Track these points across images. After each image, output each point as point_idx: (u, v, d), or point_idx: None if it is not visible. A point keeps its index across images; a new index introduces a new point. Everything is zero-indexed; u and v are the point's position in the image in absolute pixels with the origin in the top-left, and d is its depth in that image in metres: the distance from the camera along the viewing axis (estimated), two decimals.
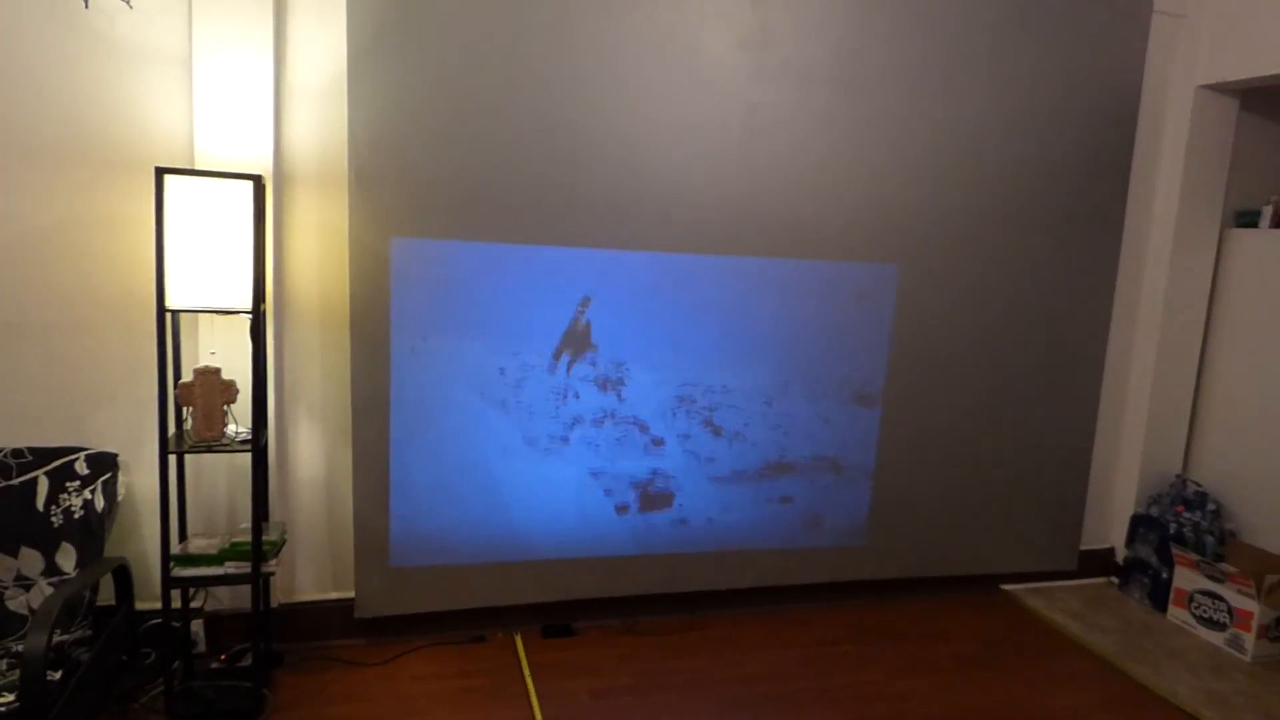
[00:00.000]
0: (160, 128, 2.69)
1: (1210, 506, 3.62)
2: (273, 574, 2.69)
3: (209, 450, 2.52)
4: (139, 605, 2.82)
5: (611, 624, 3.33)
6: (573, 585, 3.26)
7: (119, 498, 2.76)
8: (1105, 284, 3.69)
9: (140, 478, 2.84)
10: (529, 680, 2.91)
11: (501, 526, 3.14)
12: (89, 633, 2.61)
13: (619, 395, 3.18)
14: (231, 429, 2.60)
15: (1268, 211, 3.63)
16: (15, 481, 2.65)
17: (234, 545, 2.60)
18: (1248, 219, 3.71)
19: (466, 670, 2.96)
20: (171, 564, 2.54)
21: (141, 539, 2.88)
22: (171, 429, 2.55)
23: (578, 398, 3.14)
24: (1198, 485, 3.73)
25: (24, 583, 2.61)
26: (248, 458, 2.87)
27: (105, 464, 2.73)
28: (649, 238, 3.11)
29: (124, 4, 2.64)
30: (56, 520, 2.65)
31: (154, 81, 2.67)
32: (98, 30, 2.62)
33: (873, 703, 2.91)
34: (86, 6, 2.61)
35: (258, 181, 2.42)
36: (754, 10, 3.08)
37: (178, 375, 2.63)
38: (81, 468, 2.71)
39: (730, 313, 3.24)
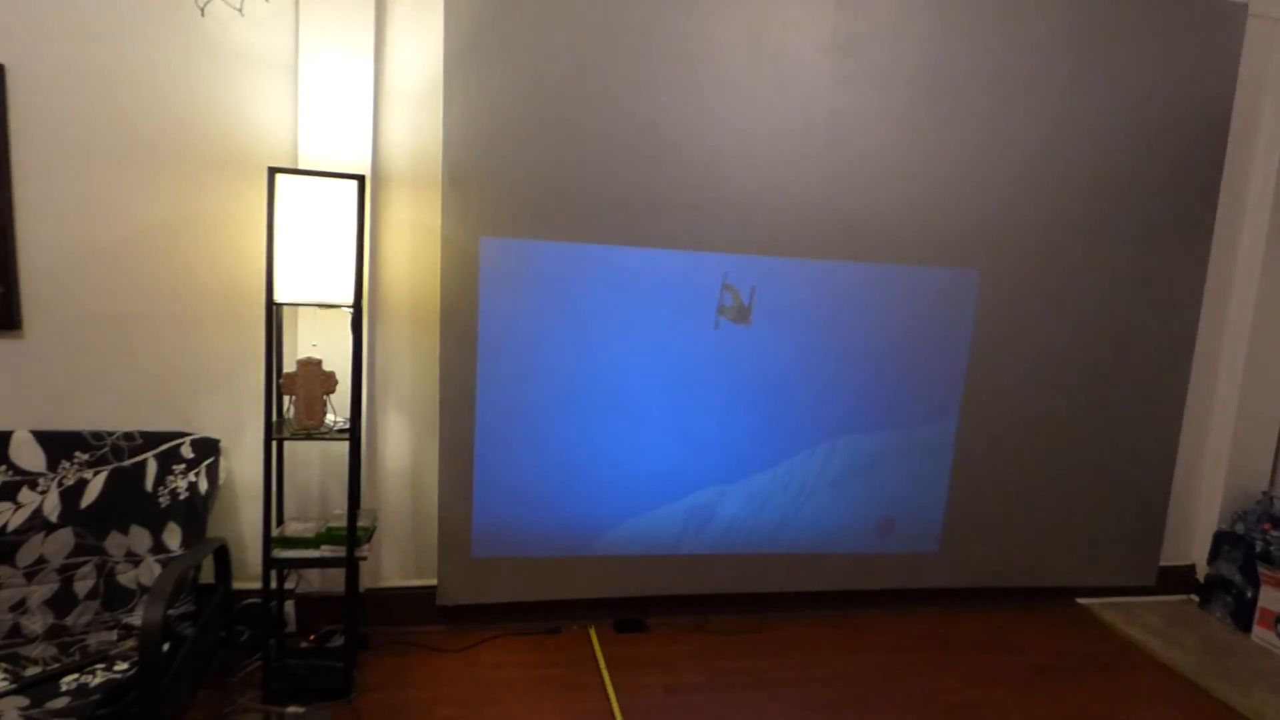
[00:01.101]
0: (266, 129, 2.82)
1: None
2: (365, 558, 2.79)
3: (309, 438, 2.63)
4: (234, 585, 2.96)
5: (683, 621, 3.38)
6: (646, 581, 3.31)
7: (220, 481, 2.90)
8: (1192, 294, 3.61)
9: (239, 463, 2.98)
10: (604, 672, 2.97)
11: (580, 521, 3.20)
12: (192, 608, 2.75)
13: (698, 400, 3.22)
14: (330, 418, 2.71)
15: None
16: (127, 463, 2.80)
17: (330, 530, 2.71)
18: None
19: (543, 660, 3.03)
20: (272, 546, 2.66)
21: (238, 522, 3.01)
22: (273, 417, 2.67)
23: (655, 402, 3.19)
24: None
25: (133, 559, 2.75)
26: (340, 446, 2.99)
27: (209, 448, 2.87)
28: (731, 240, 3.14)
29: (236, 11, 2.78)
30: (164, 500, 2.79)
31: (262, 85, 2.80)
32: (211, 35, 2.76)
33: (946, 710, 2.90)
34: (203, 14, 2.75)
35: (361, 181, 2.52)
36: (838, 15, 3.10)
37: (280, 366, 2.75)
38: (187, 451, 2.85)
39: (812, 315, 3.26)
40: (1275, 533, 3.53)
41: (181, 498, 2.80)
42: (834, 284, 3.26)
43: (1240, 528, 3.65)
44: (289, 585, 3.03)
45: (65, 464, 2.76)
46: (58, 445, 2.74)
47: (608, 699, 2.82)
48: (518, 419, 3.08)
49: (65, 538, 2.70)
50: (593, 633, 3.25)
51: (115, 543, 2.75)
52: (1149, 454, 3.69)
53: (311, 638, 3.02)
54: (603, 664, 3.03)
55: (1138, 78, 3.39)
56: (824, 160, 3.17)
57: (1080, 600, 3.79)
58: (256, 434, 2.97)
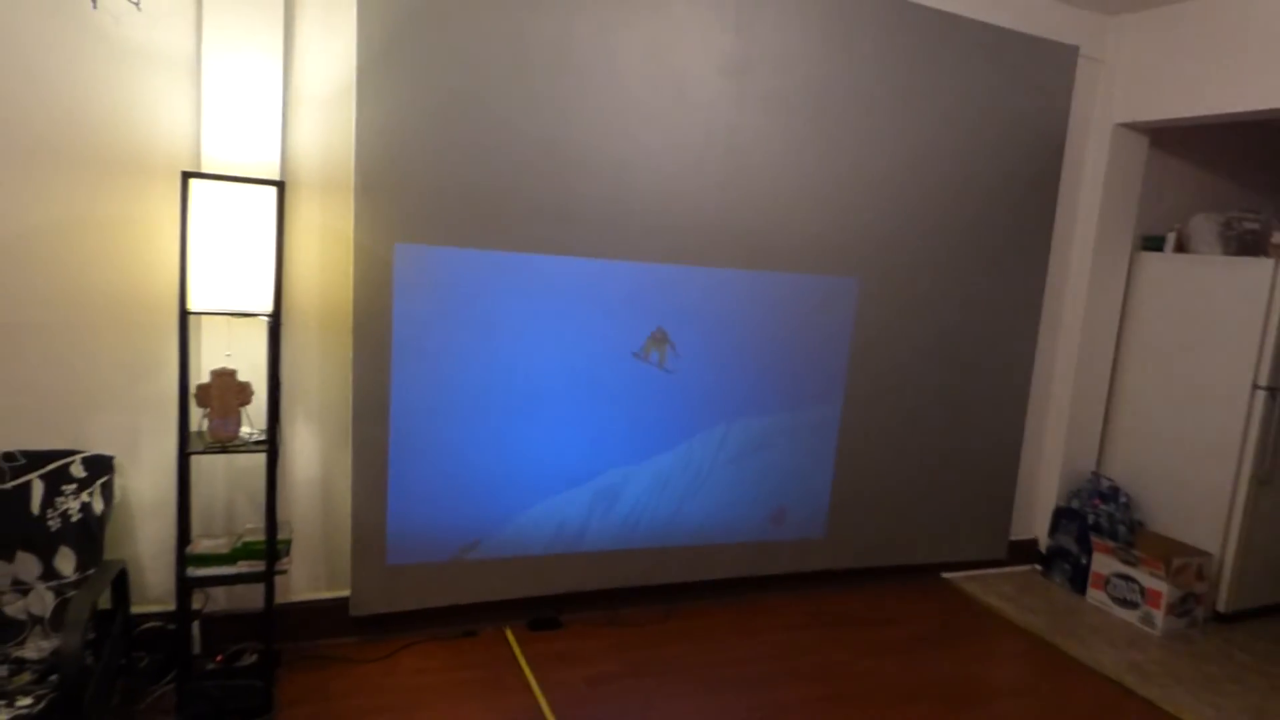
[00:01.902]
0: (166, 130, 2.70)
1: (1122, 499, 4.07)
2: (285, 572, 2.73)
3: (223, 451, 2.55)
4: (132, 609, 2.81)
5: (595, 616, 3.49)
6: (558, 579, 3.40)
7: (114, 501, 2.75)
8: (1034, 299, 4.09)
9: (135, 481, 2.83)
10: (527, 670, 3.04)
11: (493, 523, 3.25)
12: (92, 635, 2.60)
13: (606, 395, 3.34)
14: (245, 430, 2.63)
15: (1172, 238, 4.11)
16: (8, 485, 2.61)
17: (246, 545, 2.63)
18: (1153, 244, 4.18)
19: (464, 663, 3.07)
20: (186, 564, 2.56)
21: (135, 542, 2.86)
22: (187, 430, 2.57)
23: (565, 399, 3.29)
24: (1110, 480, 4.18)
25: (21, 587, 2.57)
26: (247, 459, 2.90)
27: (102, 466, 2.71)
28: (636, 249, 3.29)
29: (132, 5, 2.64)
30: (54, 524, 2.62)
31: (161, 84, 2.68)
32: (103, 30, 2.61)
33: (842, 680, 3.17)
34: (95, 7, 2.60)
35: (281, 187, 2.48)
36: (735, 38, 3.31)
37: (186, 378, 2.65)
38: (78, 470, 2.69)
39: (708, 320, 3.46)
40: (1104, 507, 4.06)
41: (74, 520, 2.64)
42: (731, 290, 3.47)
43: (1075, 503, 4.17)
44: (197, 605, 2.91)
45: None
46: None
47: (533, 695, 2.89)
48: (431, 424, 3.09)
49: None
50: (509, 633, 3.31)
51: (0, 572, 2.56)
52: (999, 442, 4.15)
53: (219, 658, 2.90)
54: (523, 662, 3.10)
55: (989, 106, 3.80)
56: (722, 173, 3.37)
57: (944, 575, 4.20)
58: (153, 450, 2.82)
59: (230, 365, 2.66)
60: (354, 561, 3.07)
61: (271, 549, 2.62)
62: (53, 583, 2.60)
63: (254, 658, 2.91)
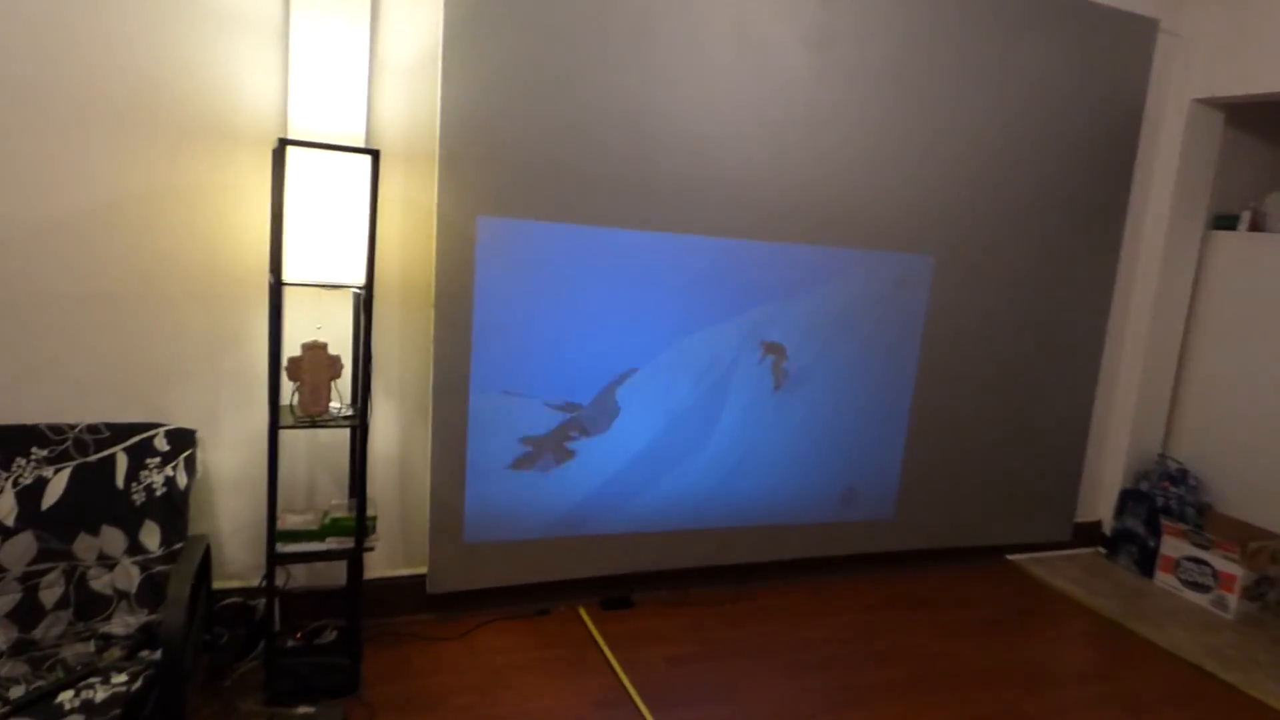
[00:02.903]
0: (250, 97, 2.63)
1: (1191, 482, 4.01)
2: (372, 549, 2.70)
3: (313, 425, 2.51)
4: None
5: (666, 596, 3.46)
6: (632, 558, 3.37)
7: (197, 475, 2.71)
8: (1107, 279, 4.02)
9: (216, 455, 2.79)
10: (606, 649, 3.01)
11: (569, 502, 3.21)
12: None
13: (683, 375, 3.29)
14: (334, 405, 2.59)
15: (1246, 216, 4.02)
16: (93, 458, 2.57)
17: (335, 521, 2.60)
18: (1226, 222, 4.10)
19: (542, 642, 3.04)
20: (275, 540, 2.52)
21: (215, 517, 2.82)
22: (277, 404, 2.52)
23: (642, 377, 3.23)
24: (1178, 463, 4.12)
25: (107, 562, 2.54)
26: (330, 434, 2.86)
27: (185, 440, 2.67)
28: (718, 224, 3.22)
29: None
30: (138, 498, 2.58)
31: (246, 50, 2.61)
32: None
33: (920, 662, 3.13)
34: None
35: (376, 156, 2.42)
36: (821, 9, 3.22)
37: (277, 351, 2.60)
38: (161, 444, 2.65)
39: (786, 298, 3.39)
40: (1173, 489, 4.01)
41: (158, 494, 2.60)
42: (810, 267, 3.40)
43: (1144, 485, 4.12)
44: (278, 582, 2.88)
45: (20, 461, 2.50)
46: (10, 441, 2.48)
47: (615, 675, 2.86)
48: (508, 402, 3.05)
49: (26, 542, 2.45)
50: (582, 612, 3.28)
51: (85, 546, 2.52)
52: (1067, 422, 4.09)
53: (299, 635, 2.88)
54: (601, 641, 3.06)
55: (1068, 81, 3.71)
56: (801, 149, 3.30)
57: (1009, 557, 4.16)
58: (235, 424, 2.78)
59: (323, 339, 2.60)
60: (432, 539, 3.03)
61: (361, 525, 2.58)
62: (138, 557, 2.56)
63: (334, 635, 2.89)
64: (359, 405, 2.56)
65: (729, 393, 3.39)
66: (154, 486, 2.61)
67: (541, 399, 3.10)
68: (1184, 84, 3.95)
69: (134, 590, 2.53)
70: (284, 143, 2.30)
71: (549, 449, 3.14)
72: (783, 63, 3.21)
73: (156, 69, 2.52)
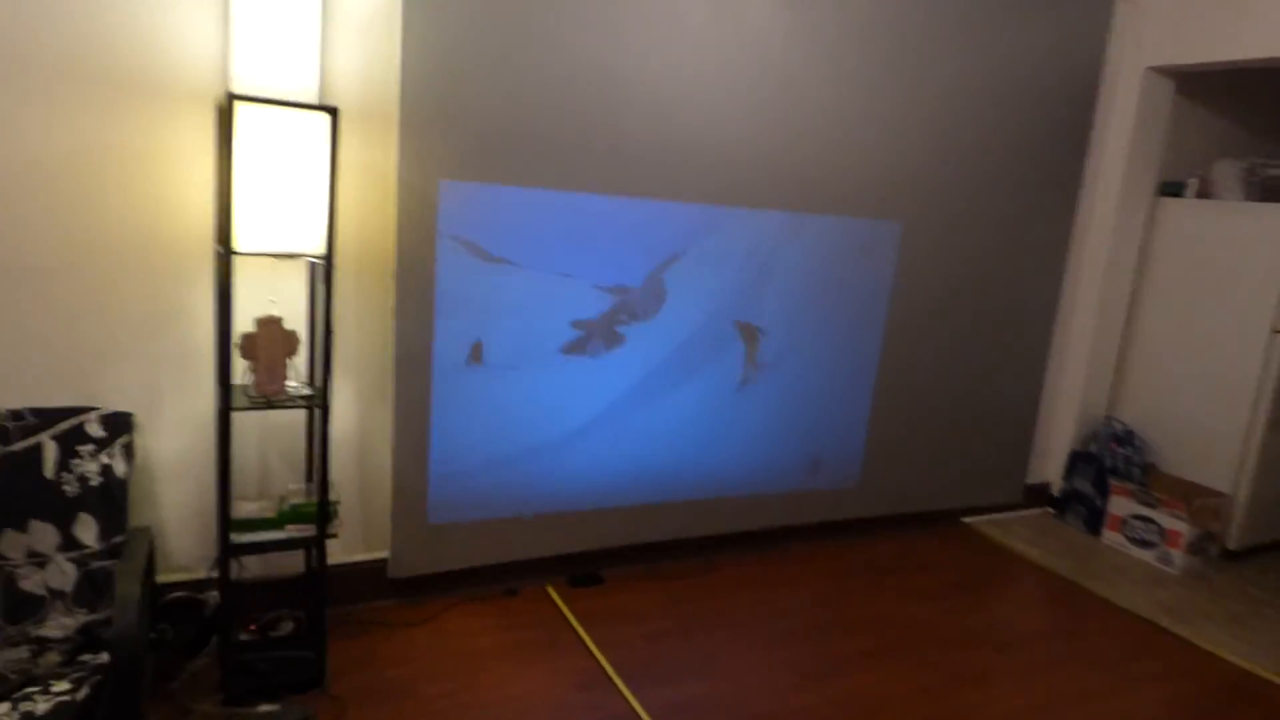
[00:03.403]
0: (190, 51, 2.38)
1: (1137, 443, 4.13)
2: (336, 535, 2.53)
3: (270, 406, 2.32)
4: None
5: (635, 571, 3.39)
6: (600, 534, 3.28)
7: (135, 462, 2.50)
8: (1061, 245, 4.07)
9: (157, 440, 2.57)
10: (580, 629, 2.92)
11: (536, 478, 3.09)
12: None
13: (650, 342, 3.19)
14: (291, 384, 2.40)
15: (1194, 184, 4.11)
16: (16, 447, 2.33)
17: (295, 508, 2.43)
18: (1174, 190, 4.19)
19: (513, 624, 2.93)
20: (230, 530, 2.34)
21: (158, 507, 2.61)
22: (229, 384, 2.33)
23: (612, 345, 3.12)
24: (1124, 424, 4.24)
25: (38, 560, 2.32)
26: (283, 415, 2.67)
27: (121, 425, 2.45)
28: (687, 189, 3.11)
29: None
30: (71, 489, 2.36)
31: None
32: None
33: (891, 629, 3.14)
34: None
35: (334, 114, 2.22)
36: None
37: (228, 326, 2.39)
38: (95, 429, 2.42)
39: (754, 266, 3.31)
40: (1121, 450, 4.12)
41: (93, 484, 2.38)
42: (780, 233, 3.33)
43: (1093, 447, 4.22)
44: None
45: None
46: None
47: (592, 655, 2.78)
48: (473, 376, 2.90)
49: None
50: (551, 590, 3.18)
51: (11, 543, 2.29)
52: (1022, 387, 4.15)
53: (252, 628, 2.70)
54: (574, 620, 2.98)
55: (1027, 48, 3.69)
56: (774, 112, 3.20)
57: (964, 519, 4.23)
58: (178, 406, 2.57)
59: (277, 313, 2.40)
60: (394, 521, 2.88)
61: (324, 512, 2.42)
62: (74, 554, 2.35)
63: (290, 626, 2.72)
64: (321, 384, 2.38)
65: (697, 357, 3.31)
66: (88, 476, 2.39)
67: (504, 368, 2.96)
68: (1139, 52, 3.98)
69: (70, 589, 2.32)
70: (233, 98, 2.09)
71: (521, 421, 3.01)
72: (755, 24, 3.09)
73: (83, 18, 2.25)
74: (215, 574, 2.66)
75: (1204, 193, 4.12)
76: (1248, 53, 3.61)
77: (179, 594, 2.65)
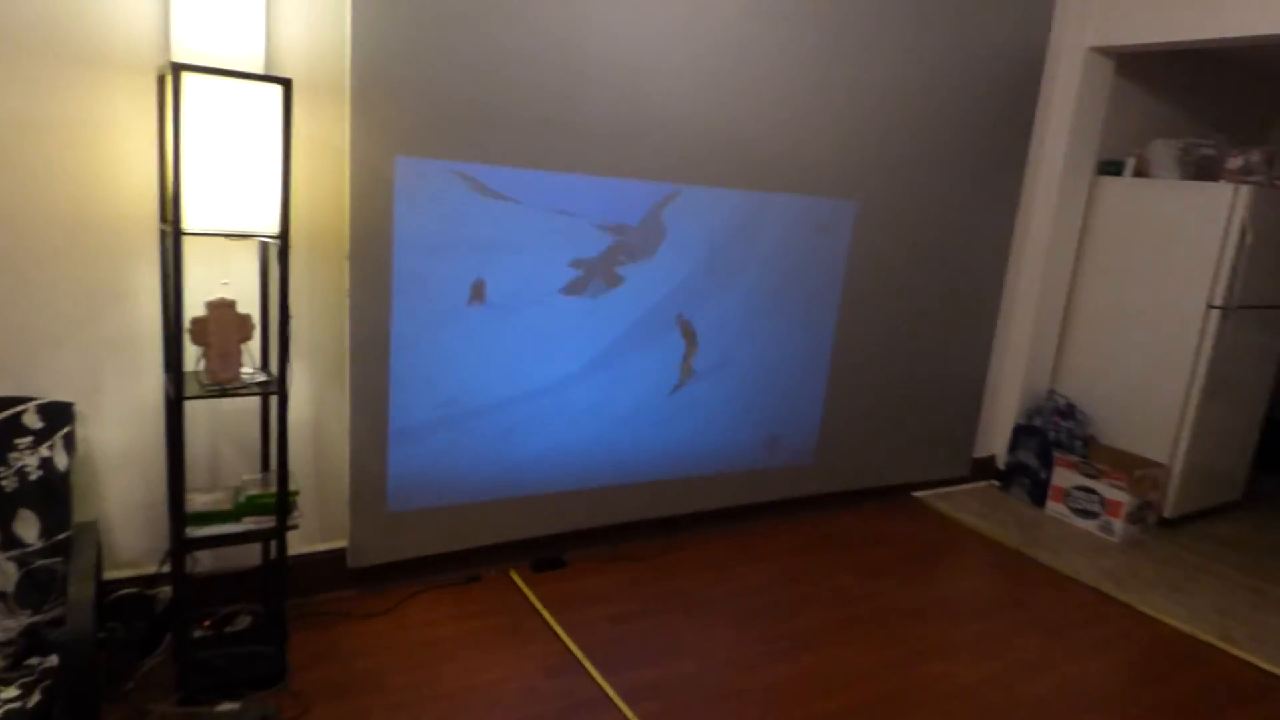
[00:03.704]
0: (125, 16, 2.24)
1: (1079, 416, 4.27)
2: (297, 527, 2.45)
3: (224, 394, 2.22)
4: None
5: (596, 553, 3.37)
6: (561, 517, 3.25)
7: (78, 454, 2.37)
8: (1007, 223, 4.15)
9: (99, 431, 2.44)
10: (545, 613, 2.90)
11: (498, 462, 3.04)
12: (62, 611, 2.25)
13: (609, 320, 3.15)
14: (246, 370, 2.30)
15: (1131, 163, 4.24)
16: None
17: (251, 499, 2.33)
18: (1112, 168, 4.31)
19: (476, 611, 2.89)
20: (184, 524, 2.24)
21: (102, 500, 2.48)
22: (182, 370, 2.22)
23: (574, 324, 3.08)
24: (1066, 398, 4.37)
25: None
26: (234, 403, 2.56)
27: (62, 415, 2.32)
28: (645, 168, 3.07)
29: None
30: (9, 484, 2.23)
31: None
32: None
33: (853, 603, 3.20)
34: None
35: (288, 86, 2.12)
36: None
37: (178, 310, 2.27)
38: (33, 421, 2.29)
39: (713, 244, 3.30)
40: (1064, 423, 4.25)
41: (33, 478, 2.26)
42: (737, 211, 3.32)
43: (1038, 421, 4.34)
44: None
45: None
46: None
47: (559, 639, 2.76)
48: (436, 358, 2.83)
49: None
50: (514, 576, 3.14)
51: None
52: (969, 363, 4.25)
53: (206, 624, 2.61)
54: (539, 605, 2.95)
55: (974, 27, 3.74)
56: (733, 88, 3.17)
57: (914, 494, 4.31)
58: (121, 394, 2.44)
59: (229, 296, 2.29)
60: (353, 510, 2.80)
61: (284, 503, 2.33)
62: (14, 551, 2.22)
63: (247, 621, 2.64)
64: (278, 369, 2.28)
65: (651, 336, 3.29)
66: (27, 470, 2.26)
67: (466, 353, 2.89)
68: (1081, 33, 4.07)
69: (12, 589, 2.20)
70: (178, 68, 1.97)
71: (477, 404, 2.95)
72: (711, 1, 3.06)
73: None
74: (166, 569, 2.56)
75: (1141, 171, 4.25)
76: (1185, 34, 3.72)
77: (127, 590, 2.53)
